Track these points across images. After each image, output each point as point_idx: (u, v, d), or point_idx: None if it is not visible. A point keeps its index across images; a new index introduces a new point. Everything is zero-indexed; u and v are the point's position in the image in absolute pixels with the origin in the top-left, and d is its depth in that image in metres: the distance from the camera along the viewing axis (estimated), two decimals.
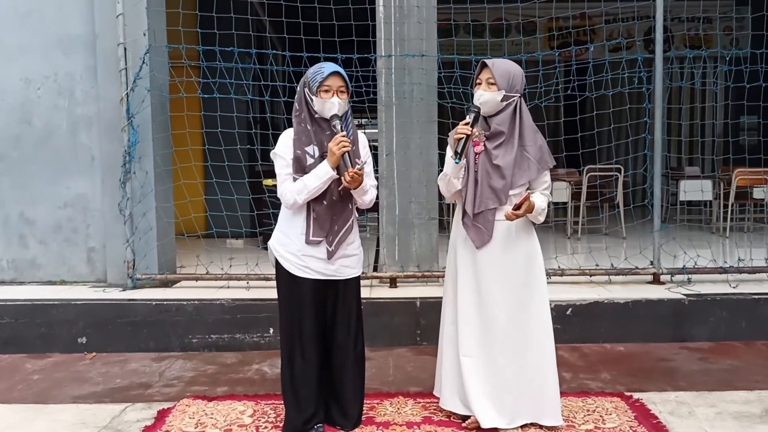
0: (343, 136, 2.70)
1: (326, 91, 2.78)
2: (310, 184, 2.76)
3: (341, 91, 2.80)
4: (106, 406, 3.37)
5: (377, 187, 3.03)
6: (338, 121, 2.76)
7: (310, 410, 2.89)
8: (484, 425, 2.86)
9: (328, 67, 2.81)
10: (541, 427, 2.92)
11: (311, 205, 2.82)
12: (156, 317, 4.37)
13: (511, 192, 2.84)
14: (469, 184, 2.86)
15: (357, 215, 2.98)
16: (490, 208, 2.84)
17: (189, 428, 3.03)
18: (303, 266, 2.84)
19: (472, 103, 2.82)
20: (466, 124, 2.75)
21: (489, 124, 2.85)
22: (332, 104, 2.78)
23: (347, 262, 2.90)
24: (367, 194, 2.88)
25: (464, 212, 2.89)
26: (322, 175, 2.74)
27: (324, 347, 2.97)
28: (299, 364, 2.88)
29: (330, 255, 2.83)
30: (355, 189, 2.79)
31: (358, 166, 2.71)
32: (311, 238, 2.82)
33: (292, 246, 2.85)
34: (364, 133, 3.06)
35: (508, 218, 2.79)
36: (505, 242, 2.87)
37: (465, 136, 2.74)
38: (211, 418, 3.15)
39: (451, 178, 2.86)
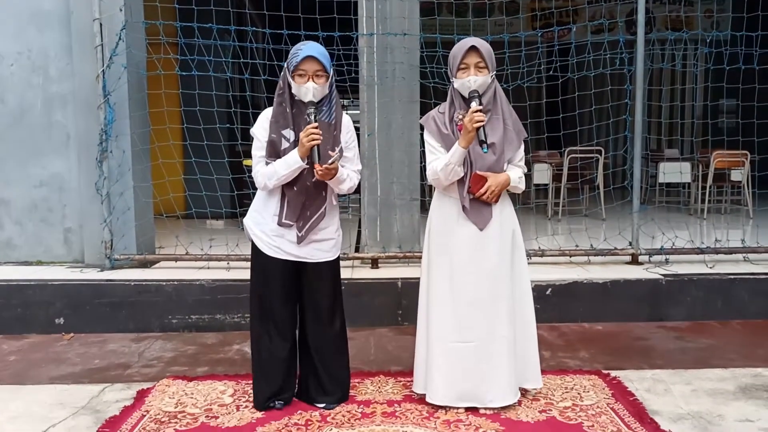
0: (315, 128, 2.64)
1: (301, 75, 2.71)
2: (279, 171, 2.73)
3: (318, 76, 2.71)
4: (85, 387, 3.34)
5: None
6: (312, 110, 2.70)
7: (274, 387, 2.93)
8: (501, 404, 2.90)
9: (306, 49, 2.72)
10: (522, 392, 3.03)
11: (284, 189, 2.80)
12: (135, 298, 4.32)
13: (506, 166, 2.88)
14: (466, 168, 2.84)
15: (334, 201, 2.90)
16: None
17: (169, 408, 3.01)
18: (275, 246, 2.84)
19: (474, 90, 2.77)
20: (478, 111, 2.71)
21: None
22: (307, 90, 2.70)
23: (320, 246, 2.88)
24: (344, 183, 2.82)
25: (465, 198, 2.85)
26: (291, 164, 2.71)
27: (301, 328, 2.99)
28: (266, 341, 2.92)
29: (300, 240, 2.82)
30: (329, 180, 2.75)
31: (330, 160, 2.65)
32: (283, 220, 2.81)
33: (266, 226, 2.85)
34: (346, 112, 3.00)
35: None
36: (500, 219, 2.90)
37: (483, 123, 2.70)
38: (192, 397, 3.14)
39: (455, 166, 2.78)
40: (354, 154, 2.92)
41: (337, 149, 2.75)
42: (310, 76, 2.70)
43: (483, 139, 2.71)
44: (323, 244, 2.89)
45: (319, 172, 2.66)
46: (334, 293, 2.98)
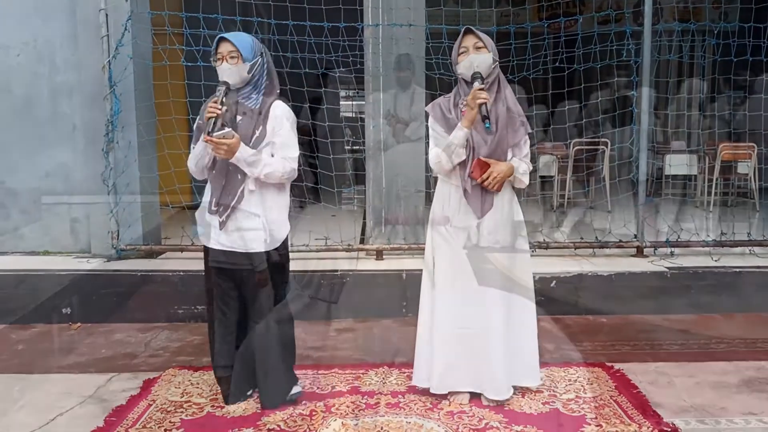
0: (214, 103, 2.71)
1: (219, 59, 2.81)
2: (196, 150, 2.84)
3: (231, 57, 2.78)
4: (92, 376, 3.37)
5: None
6: (223, 87, 2.77)
7: (223, 378, 2.97)
8: (497, 397, 2.90)
9: (222, 35, 2.83)
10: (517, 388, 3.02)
11: (208, 174, 2.88)
12: (141, 288, 4.35)
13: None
14: (468, 152, 2.84)
15: (251, 185, 2.79)
16: None
17: (175, 398, 3.04)
18: (205, 234, 2.92)
19: (477, 71, 2.78)
20: (481, 89, 2.72)
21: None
22: (222, 71, 2.81)
23: (245, 235, 2.83)
24: (255, 166, 2.73)
25: (466, 181, 2.84)
26: (200, 140, 2.80)
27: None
28: (210, 328, 2.99)
29: (221, 225, 2.84)
30: (225, 157, 2.71)
31: (216, 132, 2.65)
32: (212, 207, 2.87)
33: (202, 216, 2.93)
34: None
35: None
36: (501, 210, 2.90)
37: (486, 101, 2.72)
38: (197, 387, 3.16)
39: (457, 147, 2.78)
40: (281, 141, 2.82)
41: (230, 129, 2.71)
42: (224, 57, 2.79)
43: (485, 114, 2.72)
44: (248, 233, 2.84)
45: (210, 146, 2.71)
46: (263, 290, 2.89)
